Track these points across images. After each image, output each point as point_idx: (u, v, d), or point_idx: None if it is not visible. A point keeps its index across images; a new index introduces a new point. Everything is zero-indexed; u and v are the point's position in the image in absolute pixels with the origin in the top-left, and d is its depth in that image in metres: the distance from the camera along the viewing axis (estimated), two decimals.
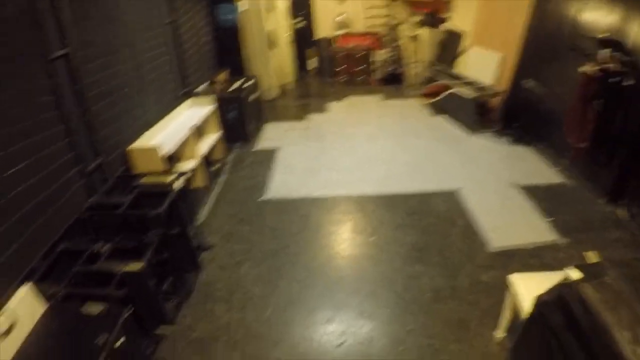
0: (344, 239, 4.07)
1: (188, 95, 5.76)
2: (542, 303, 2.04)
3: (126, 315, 2.56)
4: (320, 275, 3.60)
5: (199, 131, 5.25)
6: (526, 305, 2.35)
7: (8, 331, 2.29)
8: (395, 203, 4.56)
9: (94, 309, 2.57)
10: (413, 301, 3.25)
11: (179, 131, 4.72)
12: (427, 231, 4.04)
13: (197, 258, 3.81)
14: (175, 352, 2.97)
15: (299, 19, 9.70)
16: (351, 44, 9.43)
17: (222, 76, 6.82)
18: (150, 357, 2.88)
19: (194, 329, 3.15)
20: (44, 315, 2.55)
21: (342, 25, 9.63)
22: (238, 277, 3.66)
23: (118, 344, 2.40)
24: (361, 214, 4.43)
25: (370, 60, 9.31)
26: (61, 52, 3.14)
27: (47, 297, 2.64)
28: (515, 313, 2.61)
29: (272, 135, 6.84)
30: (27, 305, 2.48)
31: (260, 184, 5.22)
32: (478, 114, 6.29)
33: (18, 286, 2.52)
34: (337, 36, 9.65)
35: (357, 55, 9.26)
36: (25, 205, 2.72)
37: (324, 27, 9.80)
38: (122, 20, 4.15)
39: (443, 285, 3.37)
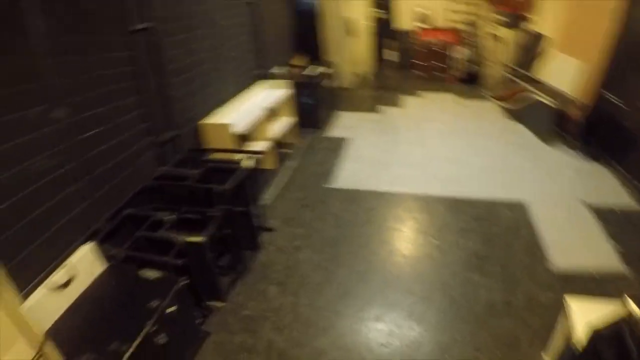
0: (407, 237, 3.98)
1: (264, 76, 5.84)
2: (598, 337, 1.89)
3: (181, 284, 2.62)
4: (378, 271, 3.54)
5: (272, 113, 5.30)
6: (579, 331, 2.19)
7: (66, 284, 2.42)
8: (461, 206, 4.41)
9: (151, 274, 2.66)
10: (466, 310, 3.12)
11: (252, 111, 4.79)
12: (491, 240, 3.86)
13: (257, 238, 3.86)
14: (224, 327, 3.02)
15: (380, 9, 9.54)
16: (430, 38, 9.20)
17: (299, 60, 6.86)
18: (199, 327, 2.95)
19: (245, 307, 3.19)
20: (103, 274, 2.67)
21: (423, 18, 9.41)
22: (296, 262, 3.68)
23: (169, 310, 2.47)
24: (426, 214, 4.32)
25: (449, 56, 9.05)
26: (142, 25, 3.26)
27: (108, 258, 2.76)
28: (567, 338, 2.45)
29: (344, 124, 6.82)
30: (87, 263, 2.61)
31: (328, 172, 5.21)
32: (555, 123, 5.94)
33: (81, 243, 2.66)
34: (417, 29, 9.44)
35: (435, 50, 9.03)
36: (98, 168, 2.86)
37: (404, 19, 9.60)
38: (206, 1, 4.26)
39: (499, 298, 3.21)
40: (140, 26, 3.23)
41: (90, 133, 2.76)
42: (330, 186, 4.90)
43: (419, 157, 5.56)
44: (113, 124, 2.99)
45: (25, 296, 2.23)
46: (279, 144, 5.51)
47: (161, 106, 3.55)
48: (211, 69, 4.43)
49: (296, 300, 3.26)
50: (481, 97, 8.06)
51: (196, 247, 2.87)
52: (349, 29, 8.02)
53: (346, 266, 3.60)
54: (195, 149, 4.06)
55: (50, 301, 2.33)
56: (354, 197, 4.66)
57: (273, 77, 6.00)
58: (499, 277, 3.42)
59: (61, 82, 2.51)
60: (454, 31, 9.16)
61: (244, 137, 4.60)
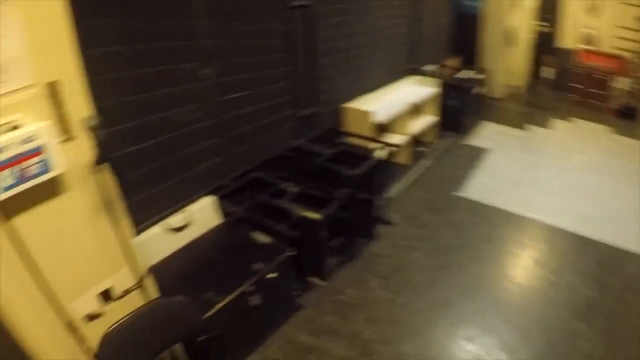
0: (523, 265, 3.60)
1: (414, 72, 5.65)
2: None
3: (288, 255, 2.62)
4: (484, 290, 3.26)
5: (416, 110, 5.13)
6: None
7: (180, 229, 2.53)
8: (587, 247, 3.85)
9: (262, 238, 2.69)
10: (561, 358, 2.74)
11: (396, 104, 4.66)
12: (608, 291, 3.31)
13: (374, 228, 3.77)
14: (317, 305, 3.00)
15: (544, 22, 8.66)
16: (592, 62, 8.10)
17: (452, 62, 6.54)
18: (294, 299, 2.95)
19: (343, 291, 3.13)
20: (217, 228, 2.77)
21: (587, 39, 8.34)
22: (406, 260, 3.52)
23: (270, 276, 2.48)
24: (549, 246, 3.87)
25: (609, 85, 7.94)
26: (301, 2, 3.27)
27: (226, 214, 2.85)
28: None
29: (487, 134, 6.38)
30: (205, 214, 2.72)
31: (460, 179, 4.92)
32: None
33: (204, 195, 2.77)
34: (579, 50, 8.41)
35: (595, 76, 7.98)
36: (236, 130, 2.96)
37: (568, 37, 8.55)
38: None
39: (598, 355, 2.74)
40: (299, 3, 3.25)
41: (235, 95, 2.87)
42: (459, 194, 4.63)
43: (555, 185, 5.02)
44: (257, 91, 3.07)
45: (140, 231, 2.37)
46: (417, 141, 5.32)
47: (307, 82, 3.57)
48: (362, 55, 4.38)
49: (395, 297, 3.13)
50: (637, 136, 7.04)
51: (312, 223, 2.85)
52: (508, 38, 7.46)
53: (454, 277, 3.37)
54: (332, 130, 4.06)
55: (161, 240, 2.46)
56: (480, 211, 4.34)
57: (423, 74, 5.79)
58: (605, 333, 2.95)
59: (215, 45, 2.63)
60: (620, 59, 8.00)
61: (382, 127, 4.50)
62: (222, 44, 2.68)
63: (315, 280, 3.17)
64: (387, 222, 3.96)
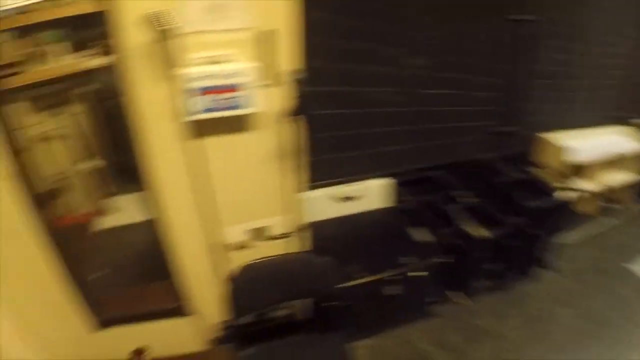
0: None
1: (621, 121, 4.91)
2: None
3: (441, 260, 2.51)
4: None
5: (618, 162, 4.48)
6: None
7: (349, 199, 2.52)
8: None
9: (419, 235, 2.58)
10: None
11: (597, 148, 4.13)
12: None
13: (533, 267, 3.43)
14: (450, 319, 2.85)
15: None
16: None
17: None
18: (429, 305, 2.82)
19: (480, 317, 2.92)
20: (381, 210, 2.74)
21: None
22: (552, 312, 3.16)
23: (416, 274, 2.40)
24: None
25: None
26: (523, 16, 3.00)
27: (395, 201, 2.79)
28: None
29: None
30: (375, 193, 2.72)
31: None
32: None
33: (381, 177, 2.75)
34: None
35: None
36: (431, 124, 2.89)
37: None
38: (598, 18, 3.72)
39: None
40: (521, 17, 2.99)
41: (436, 91, 2.79)
42: (631, 268, 3.95)
43: None
44: (459, 94, 2.95)
45: (311, 188, 2.41)
46: (609, 195, 4.65)
47: (511, 100, 3.31)
48: (571, 87, 3.92)
49: (527, 344, 2.83)
50: None
51: (477, 239, 2.70)
52: None
53: (593, 348, 2.93)
54: (522, 154, 3.76)
55: (327, 204, 2.51)
56: None
57: (633, 125, 4.99)
58: None
59: (429, 37, 2.57)
60: None
61: (576, 169, 4.01)
62: (436, 39, 2.61)
63: (457, 296, 2.99)
64: (549, 267, 3.57)
